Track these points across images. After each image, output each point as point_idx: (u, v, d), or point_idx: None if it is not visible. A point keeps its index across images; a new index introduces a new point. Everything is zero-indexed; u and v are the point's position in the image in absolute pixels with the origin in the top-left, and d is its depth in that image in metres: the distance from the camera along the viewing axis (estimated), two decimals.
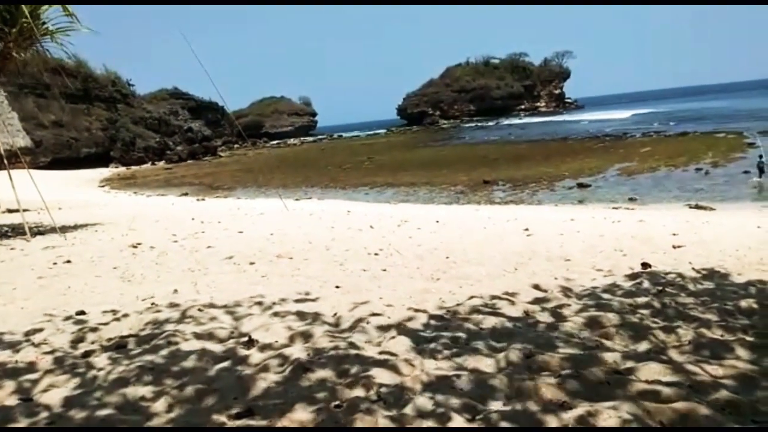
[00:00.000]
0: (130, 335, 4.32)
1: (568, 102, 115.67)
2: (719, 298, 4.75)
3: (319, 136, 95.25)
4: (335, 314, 4.69)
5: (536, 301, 4.93)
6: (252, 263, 7.18)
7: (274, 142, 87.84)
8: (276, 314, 4.73)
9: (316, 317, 4.60)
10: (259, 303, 5.12)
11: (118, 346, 4.08)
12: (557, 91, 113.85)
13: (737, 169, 20.10)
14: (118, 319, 4.71)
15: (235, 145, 76.08)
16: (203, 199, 22.29)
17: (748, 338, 3.73)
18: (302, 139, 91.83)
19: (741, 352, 3.50)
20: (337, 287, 5.67)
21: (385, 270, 6.46)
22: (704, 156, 23.69)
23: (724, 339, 3.75)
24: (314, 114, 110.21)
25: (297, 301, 5.19)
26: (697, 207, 13.75)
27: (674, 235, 8.15)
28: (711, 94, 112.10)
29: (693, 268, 5.89)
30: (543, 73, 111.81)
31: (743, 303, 4.54)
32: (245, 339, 4.12)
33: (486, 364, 3.50)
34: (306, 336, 4.15)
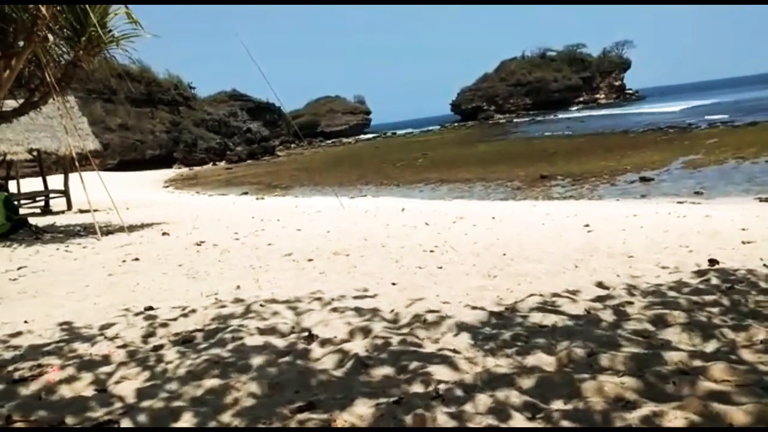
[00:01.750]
0: (197, 330, 4.49)
1: (629, 93, 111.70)
2: None
3: (374, 134, 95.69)
4: (392, 311, 4.73)
5: (598, 298, 4.83)
6: (310, 260, 7.32)
7: (330, 141, 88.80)
8: (335, 310, 4.82)
9: (374, 313, 4.66)
10: (319, 299, 5.23)
11: (186, 341, 4.26)
12: (617, 83, 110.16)
13: None
14: (185, 315, 4.91)
15: (292, 145, 77.28)
16: (262, 198, 22.80)
17: None
18: (357, 137, 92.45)
19: None
20: (394, 284, 5.71)
21: (440, 267, 6.46)
22: None
23: None
24: (368, 112, 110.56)
25: (355, 297, 5.26)
26: None
27: (743, 230, 7.77)
28: None
29: (765, 265, 5.61)
30: (602, 64, 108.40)
31: None
32: (306, 334, 4.22)
33: (547, 363, 3.46)
34: (365, 332, 4.21)
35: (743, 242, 6.88)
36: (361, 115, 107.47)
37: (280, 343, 4.09)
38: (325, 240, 8.90)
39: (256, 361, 3.73)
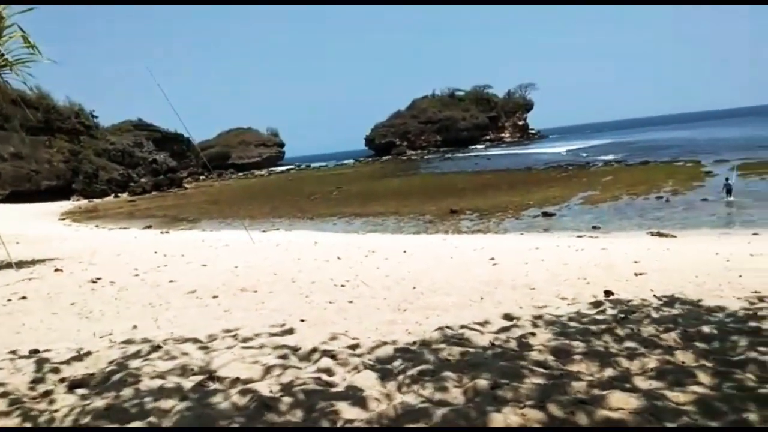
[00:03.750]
0: (88, 374, 4.16)
1: (532, 132, 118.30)
2: (681, 325, 4.83)
3: (287, 167, 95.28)
4: (299, 348, 4.61)
5: (503, 330, 4.94)
6: (215, 297, 7.05)
7: (241, 173, 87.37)
8: (239, 349, 4.63)
9: (280, 351, 4.52)
10: (222, 338, 5.02)
11: (76, 386, 3.93)
12: (521, 122, 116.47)
13: (696, 196, 20.73)
14: (78, 358, 4.55)
15: (201, 177, 75.26)
16: (167, 232, 21.91)
17: (709, 364, 3.79)
18: (270, 169, 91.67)
19: (702, 377, 3.55)
20: (302, 321, 5.59)
21: (351, 302, 6.41)
22: (664, 184, 24.37)
23: (686, 365, 3.81)
24: (282, 144, 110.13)
25: (260, 335, 5.09)
26: (659, 234, 14.07)
27: (636, 262, 8.30)
28: (671, 125, 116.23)
29: (655, 296, 5.99)
30: (507, 105, 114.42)
31: (704, 329, 4.62)
32: (208, 375, 4.01)
33: (453, 396, 3.48)
34: (271, 370, 4.07)
35: (636, 274, 7.33)
36: (275, 147, 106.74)
37: (180, 385, 3.85)
38: (232, 275, 8.63)
39: (153, 405, 3.49)
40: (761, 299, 5.66)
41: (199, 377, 4.01)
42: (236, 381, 3.89)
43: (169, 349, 4.70)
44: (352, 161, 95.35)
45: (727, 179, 20.23)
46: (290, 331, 5.19)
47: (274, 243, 13.92)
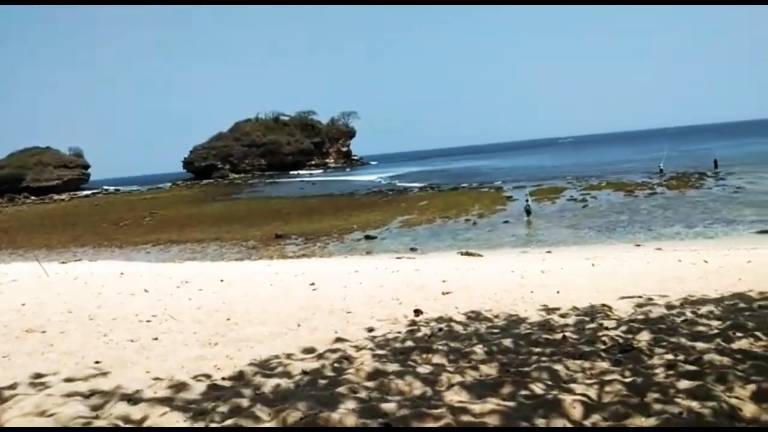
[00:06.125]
0: None
1: (355, 159, 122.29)
2: (483, 340, 5.17)
3: (93, 191, 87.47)
4: (93, 394, 4.09)
5: (319, 357, 4.90)
6: None
7: (38, 197, 78.17)
8: (18, 401, 3.97)
9: (67, 401, 3.96)
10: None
11: None
12: (345, 149, 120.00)
13: (499, 219, 22.82)
14: None
15: None
16: None
17: (507, 375, 4.07)
18: (72, 193, 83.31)
19: (501, 389, 3.80)
20: (97, 363, 5.00)
21: (156, 338, 5.90)
22: (472, 208, 26.52)
23: (486, 377, 4.05)
24: (87, 166, 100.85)
25: (46, 383, 4.44)
26: (467, 254, 15.18)
27: (444, 281, 8.82)
28: (478, 154, 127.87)
29: (459, 312, 6.38)
30: (331, 131, 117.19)
31: (503, 342, 4.99)
32: None
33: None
34: (57, 422, 3.54)
35: (443, 293, 7.78)
36: (78, 169, 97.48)
37: None
38: (17, 315, 7.52)
39: None
40: (549, 312, 6.31)
41: None
42: None
43: None
44: (168, 185, 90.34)
45: (527, 200, 23.12)
46: (81, 377, 4.60)
47: (73, 276, 12.49)
